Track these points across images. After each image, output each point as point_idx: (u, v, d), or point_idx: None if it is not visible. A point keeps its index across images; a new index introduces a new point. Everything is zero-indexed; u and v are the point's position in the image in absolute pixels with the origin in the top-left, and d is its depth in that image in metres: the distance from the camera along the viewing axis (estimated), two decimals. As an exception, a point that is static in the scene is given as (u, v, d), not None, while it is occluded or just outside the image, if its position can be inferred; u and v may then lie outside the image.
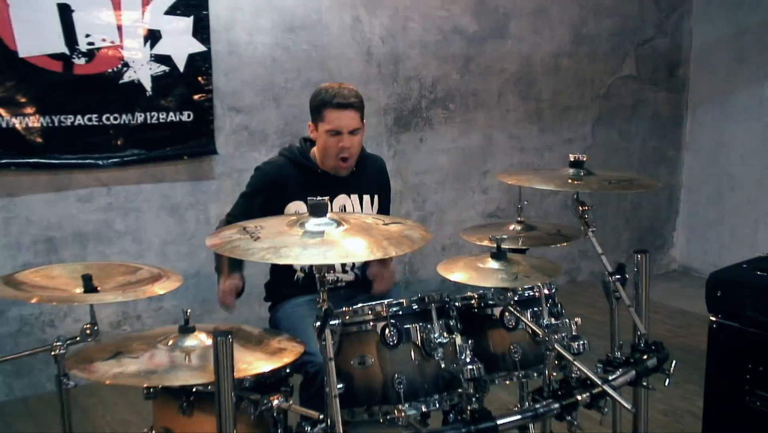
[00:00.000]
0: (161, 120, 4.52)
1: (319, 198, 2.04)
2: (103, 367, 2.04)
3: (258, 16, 4.76)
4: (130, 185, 4.46)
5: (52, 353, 2.19)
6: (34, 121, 4.21)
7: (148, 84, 4.46)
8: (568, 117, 6.12)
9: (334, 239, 1.97)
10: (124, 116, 4.42)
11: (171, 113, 4.56)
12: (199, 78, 4.60)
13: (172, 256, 4.59)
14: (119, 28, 4.36)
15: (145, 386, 2.20)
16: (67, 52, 4.23)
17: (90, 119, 4.33)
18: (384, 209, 3.28)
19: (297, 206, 2.99)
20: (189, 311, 2.17)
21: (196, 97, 4.61)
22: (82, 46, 4.27)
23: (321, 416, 2.00)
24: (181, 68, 4.54)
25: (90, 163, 4.38)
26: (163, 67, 4.50)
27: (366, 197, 3.17)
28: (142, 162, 4.48)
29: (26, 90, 4.16)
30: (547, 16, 5.87)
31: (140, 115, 4.46)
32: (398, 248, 1.97)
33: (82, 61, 4.28)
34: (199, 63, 4.59)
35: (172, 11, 4.48)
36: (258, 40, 4.78)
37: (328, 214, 2.04)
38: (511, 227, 2.90)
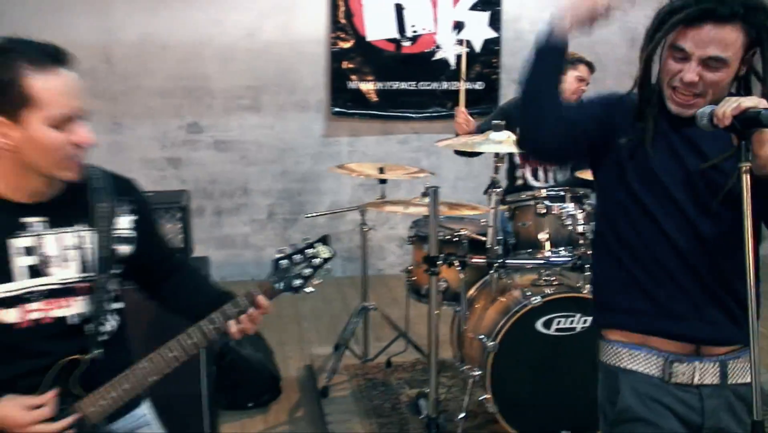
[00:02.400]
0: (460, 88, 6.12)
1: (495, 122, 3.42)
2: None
3: (541, 10, 6.15)
4: (433, 134, 6.09)
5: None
6: (372, 85, 6.06)
7: (453, 61, 6.09)
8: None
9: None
10: (433, 84, 6.10)
11: (468, 83, 6.13)
12: (491, 57, 6.13)
13: (460, 189, 6.13)
14: (435, 20, 6.05)
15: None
16: (398, 37, 6.03)
17: (410, 85, 6.09)
18: None
19: None
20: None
21: (487, 71, 6.15)
22: (409, 32, 6.04)
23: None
24: (478, 49, 6.11)
25: (407, 116, 6.13)
26: (465, 49, 6.10)
27: None
28: (443, 117, 6.10)
29: (369, 63, 6.03)
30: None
31: (445, 84, 6.11)
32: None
33: (408, 43, 6.05)
34: (492, 46, 6.12)
35: (474, 8, 6.08)
36: (539, 29, 6.16)
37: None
38: None
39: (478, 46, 6.13)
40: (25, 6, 5.64)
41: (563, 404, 3.23)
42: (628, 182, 1.84)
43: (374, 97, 6.07)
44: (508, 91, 6.19)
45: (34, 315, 1.70)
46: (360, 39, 5.98)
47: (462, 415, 3.32)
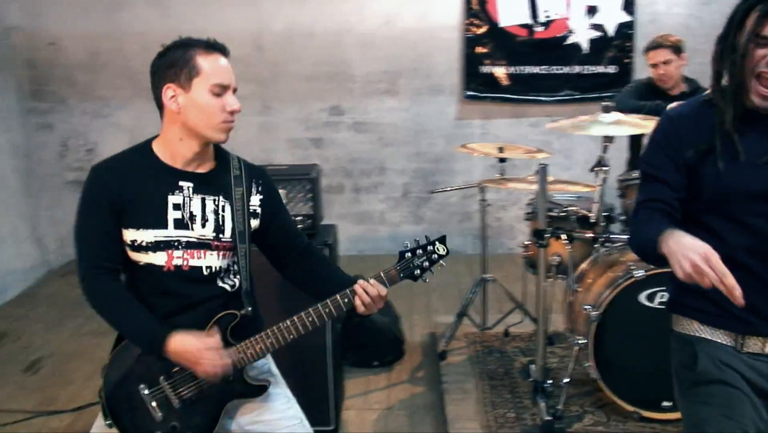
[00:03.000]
0: (592, 72, 6.23)
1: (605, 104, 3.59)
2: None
3: (677, -7, 6.14)
4: (566, 117, 6.21)
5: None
6: (504, 70, 6.26)
7: (585, 45, 6.19)
8: None
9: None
10: (565, 68, 6.23)
11: (600, 67, 6.23)
12: (624, 41, 6.18)
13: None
14: (568, 4, 6.17)
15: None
16: (530, 22, 6.20)
17: (541, 69, 6.24)
18: None
19: None
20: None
21: (619, 55, 6.21)
22: (541, 18, 6.19)
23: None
24: (611, 33, 6.18)
25: (539, 99, 6.30)
26: (597, 33, 6.19)
27: None
28: (576, 101, 6.22)
29: (502, 48, 6.24)
30: None
31: (577, 68, 6.22)
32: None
33: (540, 29, 6.21)
34: (625, 30, 6.17)
35: (607, -9, 6.16)
36: (675, 12, 6.17)
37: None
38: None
39: (611, 30, 6.19)
40: (188, 1, 6.24)
41: (664, 375, 3.35)
42: (711, 186, 1.93)
43: (506, 81, 6.27)
44: (642, 75, 6.21)
45: (177, 261, 2.11)
46: (493, 25, 6.19)
47: (566, 380, 3.54)
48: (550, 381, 3.57)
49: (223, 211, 2.17)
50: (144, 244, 2.09)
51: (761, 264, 1.93)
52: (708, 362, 2.00)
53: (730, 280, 1.64)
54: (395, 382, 4.07)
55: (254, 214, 2.23)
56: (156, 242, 2.09)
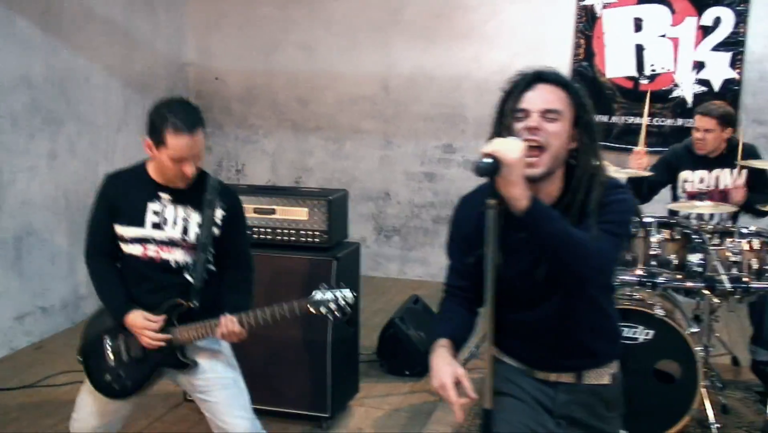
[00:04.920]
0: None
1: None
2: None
3: (790, 51, 6.17)
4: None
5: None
6: (609, 119, 6.57)
7: (690, 99, 6.37)
8: None
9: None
10: (668, 120, 6.43)
11: (702, 120, 6.36)
12: (729, 96, 6.29)
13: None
14: (675, 59, 6.40)
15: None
16: (636, 75, 6.48)
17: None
18: None
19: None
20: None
21: (725, 110, 6.31)
22: (647, 71, 6.46)
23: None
24: (716, 89, 6.32)
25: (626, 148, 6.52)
26: (703, 88, 6.35)
27: None
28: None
29: (605, 98, 6.55)
30: None
31: (680, 120, 6.40)
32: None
33: (645, 81, 6.47)
34: (731, 86, 6.28)
35: (716, 48, 6.30)
36: (785, 69, 6.19)
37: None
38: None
39: (717, 86, 6.33)
40: (330, 46, 7.17)
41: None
42: None
43: (610, 131, 6.58)
44: (748, 131, 6.27)
45: (150, 253, 2.89)
46: (600, 75, 6.54)
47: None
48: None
49: (190, 219, 2.89)
50: (126, 237, 2.88)
51: None
52: (501, 380, 2.34)
53: (454, 404, 2.03)
54: (417, 390, 4.59)
55: (216, 225, 2.93)
56: (134, 237, 2.88)
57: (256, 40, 7.37)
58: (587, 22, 6.55)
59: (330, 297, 2.78)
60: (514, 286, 2.20)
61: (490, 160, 1.94)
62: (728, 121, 4.71)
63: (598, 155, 2.20)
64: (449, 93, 6.99)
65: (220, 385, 2.93)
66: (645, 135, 4.99)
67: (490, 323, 2.05)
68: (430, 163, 7.13)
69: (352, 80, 7.18)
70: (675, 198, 4.95)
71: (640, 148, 4.86)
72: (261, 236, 4.00)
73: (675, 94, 6.42)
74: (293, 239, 3.99)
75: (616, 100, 6.56)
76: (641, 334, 3.75)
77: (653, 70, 6.46)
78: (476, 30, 6.84)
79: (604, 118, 6.59)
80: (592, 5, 6.52)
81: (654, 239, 3.99)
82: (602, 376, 2.32)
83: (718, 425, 3.88)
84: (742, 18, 6.22)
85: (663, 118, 6.46)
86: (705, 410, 3.89)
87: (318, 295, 2.80)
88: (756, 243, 3.99)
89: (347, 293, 2.80)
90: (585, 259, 2.06)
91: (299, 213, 4.00)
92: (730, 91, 6.31)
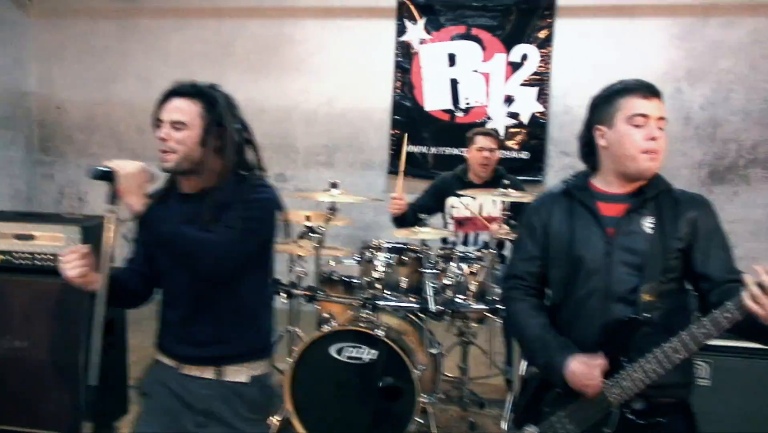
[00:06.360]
0: (507, 156, 6.61)
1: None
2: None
3: (588, 86, 6.42)
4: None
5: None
6: (428, 150, 6.79)
7: (502, 131, 6.61)
8: None
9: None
10: (482, 151, 6.65)
11: (515, 152, 6.61)
12: (537, 129, 6.55)
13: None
14: (487, 93, 6.65)
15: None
16: (452, 108, 6.71)
17: (461, 151, 6.69)
18: None
19: None
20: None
21: (533, 142, 6.57)
22: (462, 104, 6.70)
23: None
24: (525, 121, 6.57)
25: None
26: (513, 121, 6.61)
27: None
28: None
29: (426, 130, 6.78)
30: None
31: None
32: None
33: (461, 114, 6.72)
34: (539, 119, 6.54)
35: (524, 84, 6.57)
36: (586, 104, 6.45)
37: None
38: None
39: (525, 119, 6.58)
40: (166, 77, 7.26)
41: (345, 421, 3.81)
42: None
43: (429, 160, 6.79)
44: (555, 162, 6.55)
45: None
46: (419, 108, 6.77)
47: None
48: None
49: None
50: None
51: None
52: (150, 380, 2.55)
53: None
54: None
55: None
56: None
57: (96, 70, 7.48)
58: (406, 57, 6.78)
59: None
60: (163, 283, 2.51)
61: (104, 169, 2.31)
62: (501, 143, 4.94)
63: (231, 158, 2.47)
64: (280, 123, 7.16)
65: None
66: (402, 182, 5.08)
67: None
68: (262, 192, 7.25)
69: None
70: (445, 224, 5.12)
71: (398, 193, 4.99)
72: (21, 261, 4.09)
73: (489, 126, 6.65)
74: (52, 264, 4.08)
75: (433, 132, 6.78)
76: (366, 354, 3.88)
77: (468, 104, 6.70)
78: (304, 63, 7.05)
79: (423, 150, 6.80)
80: (409, 41, 6.76)
81: (379, 262, 4.13)
82: (241, 373, 2.46)
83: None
84: (546, 55, 6.50)
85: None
86: (427, 424, 4.03)
87: None
88: (475, 267, 4.18)
89: None
90: (198, 254, 2.30)
91: (57, 239, 4.10)
92: (538, 123, 6.57)
